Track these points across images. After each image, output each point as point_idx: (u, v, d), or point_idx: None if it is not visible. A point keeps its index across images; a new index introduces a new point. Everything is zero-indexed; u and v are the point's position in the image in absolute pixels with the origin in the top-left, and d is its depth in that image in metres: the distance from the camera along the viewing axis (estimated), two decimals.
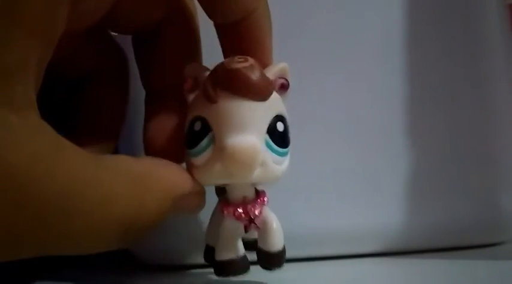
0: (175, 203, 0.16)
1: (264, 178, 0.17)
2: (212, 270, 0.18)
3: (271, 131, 0.16)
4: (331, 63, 0.24)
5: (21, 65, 0.12)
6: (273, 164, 0.17)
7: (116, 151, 0.22)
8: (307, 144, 0.23)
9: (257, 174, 0.16)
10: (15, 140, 0.12)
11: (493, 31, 0.25)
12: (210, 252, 0.18)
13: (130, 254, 0.23)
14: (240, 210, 0.17)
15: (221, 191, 0.18)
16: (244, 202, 0.17)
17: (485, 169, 0.24)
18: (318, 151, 0.23)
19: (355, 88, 0.24)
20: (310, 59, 0.24)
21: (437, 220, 0.24)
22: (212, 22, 0.18)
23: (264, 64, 0.18)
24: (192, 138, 0.17)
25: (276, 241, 0.17)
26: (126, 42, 0.20)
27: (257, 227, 0.17)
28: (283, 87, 0.17)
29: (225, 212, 0.17)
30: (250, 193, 0.17)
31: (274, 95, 0.17)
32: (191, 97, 0.18)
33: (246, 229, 0.17)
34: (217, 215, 0.18)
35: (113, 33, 0.20)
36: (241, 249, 0.17)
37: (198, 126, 0.17)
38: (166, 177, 0.16)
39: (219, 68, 0.16)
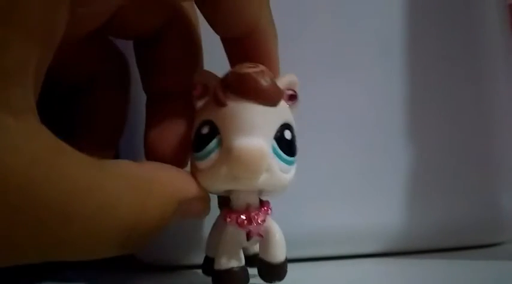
0: (179, 208, 0.15)
1: (270, 185, 0.16)
2: None
3: (279, 138, 0.16)
4: (331, 64, 0.24)
5: (20, 68, 0.12)
6: (279, 171, 0.16)
7: (116, 153, 0.22)
8: (307, 144, 0.23)
9: (262, 180, 0.16)
10: (13, 143, 0.12)
11: (493, 31, 0.25)
12: (209, 263, 0.18)
13: (131, 254, 0.23)
14: (243, 217, 0.17)
15: (224, 202, 0.18)
16: (247, 210, 0.17)
17: (485, 169, 0.24)
18: (318, 151, 0.23)
19: (355, 88, 0.24)
20: (310, 59, 0.24)
21: (437, 220, 0.24)
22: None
23: None
24: (199, 141, 0.17)
25: (278, 253, 0.17)
26: (127, 46, 0.20)
27: (259, 236, 0.17)
28: (292, 99, 0.17)
29: (228, 219, 0.17)
30: (255, 202, 0.17)
31: (283, 104, 0.17)
32: (200, 104, 0.18)
33: (248, 237, 0.17)
34: (218, 226, 0.18)
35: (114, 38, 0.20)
36: (242, 260, 0.17)
37: (205, 129, 0.16)
38: (169, 181, 0.16)
39: (230, 72, 0.17)
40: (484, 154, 0.24)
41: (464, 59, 0.25)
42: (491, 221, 0.24)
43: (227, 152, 0.16)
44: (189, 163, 0.18)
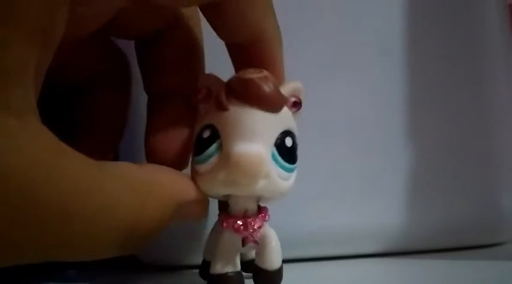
0: (178, 211, 0.15)
1: (268, 191, 0.16)
2: None
3: (279, 145, 0.16)
4: (332, 64, 0.24)
5: (20, 68, 0.12)
6: (278, 178, 0.16)
7: (116, 154, 0.22)
8: (308, 144, 0.23)
9: (261, 186, 0.16)
10: (15, 144, 0.12)
11: (493, 31, 0.25)
12: (206, 267, 0.18)
13: (131, 254, 0.23)
14: (240, 223, 0.17)
15: (223, 207, 0.18)
16: (245, 216, 0.17)
17: (485, 169, 0.24)
18: (318, 151, 0.23)
19: (355, 88, 0.24)
20: (311, 59, 0.24)
21: (437, 220, 0.24)
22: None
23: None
24: (200, 145, 0.17)
25: (274, 259, 0.17)
26: (128, 46, 0.20)
27: (255, 242, 0.17)
28: (295, 106, 0.17)
29: (225, 224, 0.17)
30: (253, 208, 0.17)
31: (286, 111, 0.17)
32: (203, 107, 0.18)
33: (244, 243, 0.17)
34: (216, 230, 0.18)
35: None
36: (237, 265, 0.17)
37: (206, 133, 0.16)
38: (169, 184, 0.16)
39: (234, 77, 0.16)
40: (484, 154, 0.24)
41: (464, 59, 0.25)
42: (491, 222, 0.24)
43: (226, 157, 0.16)
44: (189, 166, 0.18)
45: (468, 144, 0.24)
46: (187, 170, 0.18)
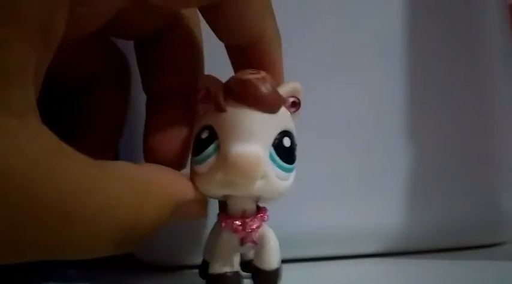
0: (176, 210, 0.16)
1: (266, 191, 0.16)
2: None
3: (277, 145, 0.16)
4: (331, 64, 0.24)
5: (20, 68, 0.12)
6: (276, 179, 0.16)
7: (116, 154, 0.22)
8: (308, 144, 0.23)
9: (258, 187, 0.16)
10: (15, 144, 0.12)
11: (493, 31, 0.25)
12: (206, 267, 0.18)
13: (131, 254, 0.23)
14: (238, 223, 0.17)
15: (224, 206, 0.18)
16: (243, 216, 0.17)
17: (485, 169, 0.24)
18: (318, 151, 0.23)
19: (355, 89, 0.24)
20: (310, 60, 0.24)
21: (437, 220, 0.24)
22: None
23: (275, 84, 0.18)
24: (198, 145, 0.17)
25: (272, 259, 0.17)
26: (128, 47, 0.20)
27: (253, 242, 0.17)
28: (294, 106, 0.17)
29: (223, 224, 0.17)
30: (251, 208, 0.17)
31: (284, 111, 0.17)
32: (203, 108, 0.18)
33: (242, 243, 0.17)
34: (216, 230, 0.18)
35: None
36: (236, 265, 0.17)
37: (205, 134, 0.17)
38: (167, 184, 0.16)
39: (231, 78, 0.17)
40: (484, 154, 0.24)
41: (464, 59, 0.25)
42: (491, 222, 0.24)
43: (224, 158, 0.16)
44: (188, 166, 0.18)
45: (468, 144, 0.24)
46: (187, 170, 0.18)
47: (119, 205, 0.14)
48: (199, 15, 0.18)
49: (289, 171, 0.17)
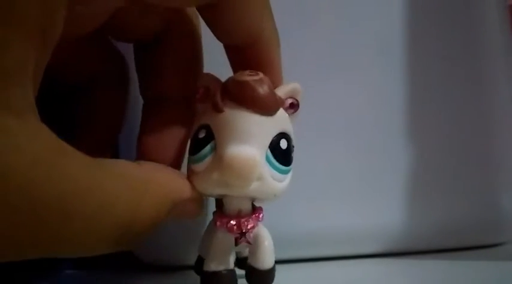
0: (173, 208, 0.16)
1: (261, 192, 0.16)
2: None
3: (274, 147, 0.16)
4: (331, 64, 0.24)
5: (20, 68, 0.12)
6: (272, 180, 0.16)
7: (116, 153, 0.22)
8: (307, 144, 0.23)
9: (254, 188, 0.16)
10: (15, 143, 0.12)
11: (493, 31, 0.25)
12: (200, 263, 0.18)
13: (131, 254, 0.23)
14: (233, 222, 0.17)
15: (220, 204, 0.18)
16: (238, 216, 0.17)
17: (485, 169, 0.24)
18: (318, 151, 0.23)
19: (354, 89, 0.24)
20: (310, 60, 0.24)
21: (437, 220, 0.24)
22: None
23: (274, 85, 0.17)
24: (195, 145, 0.17)
25: (266, 259, 0.17)
26: (127, 50, 0.20)
27: (247, 242, 0.17)
28: (292, 107, 0.17)
29: (218, 223, 0.17)
30: (246, 208, 0.17)
31: (282, 113, 0.17)
32: (201, 107, 0.18)
33: (237, 242, 0.17)
34: (211, 227, 0.18)
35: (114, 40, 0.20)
36: (230, 263, 0.17)
37: (202, 133, 0.17)
38: (165, 182, 0.16)
39: (229, 79, 0.17)
40: (484, 154, 0.24)
41: (464, 59, 0.25)
42: (491, 222, 0.24)
43: (219, 158, 0.16)
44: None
45: (468, 144, 0.24)
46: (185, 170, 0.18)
47: (117, 202, 0.14)
48: (200, 17, 0.18)
49: (285, 172, 0.17)
